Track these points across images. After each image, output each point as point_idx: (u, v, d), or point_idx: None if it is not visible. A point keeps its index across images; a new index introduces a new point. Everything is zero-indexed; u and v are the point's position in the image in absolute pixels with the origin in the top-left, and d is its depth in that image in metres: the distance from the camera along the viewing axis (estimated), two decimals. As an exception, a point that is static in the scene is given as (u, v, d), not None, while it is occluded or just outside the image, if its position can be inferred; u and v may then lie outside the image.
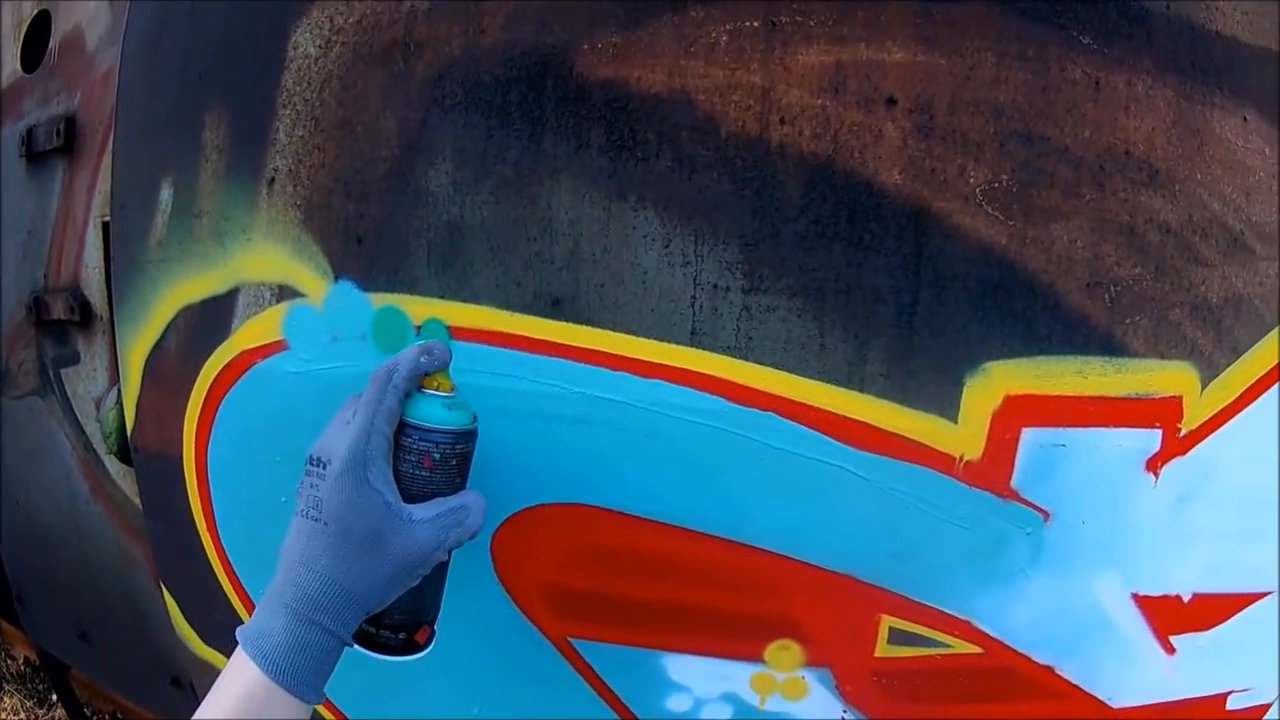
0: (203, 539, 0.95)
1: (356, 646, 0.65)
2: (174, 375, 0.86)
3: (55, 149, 1.14)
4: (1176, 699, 1.20)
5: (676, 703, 0.84)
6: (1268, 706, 1.36)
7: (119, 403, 0.98)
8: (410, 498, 0.64)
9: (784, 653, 0.83)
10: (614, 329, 0.79)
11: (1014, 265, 0.79)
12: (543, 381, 0.74)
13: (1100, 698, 0.99)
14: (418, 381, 0.65)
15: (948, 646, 0.86)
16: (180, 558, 0.94)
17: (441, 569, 0.69)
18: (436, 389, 0.67)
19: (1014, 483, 0.82)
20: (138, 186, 1.03)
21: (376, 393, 0.63)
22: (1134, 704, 1.08)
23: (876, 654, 0.84)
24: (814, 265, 0.78)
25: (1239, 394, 0.93)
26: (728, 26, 0.74)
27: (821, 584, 0.82)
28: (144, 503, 0.98)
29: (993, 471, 0.82)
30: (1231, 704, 1.30)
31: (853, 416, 0.77)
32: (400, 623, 0.65)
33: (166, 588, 0.99)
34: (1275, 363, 0.96)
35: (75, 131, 1.13)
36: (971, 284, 0.79)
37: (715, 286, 0.78)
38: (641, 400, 0.75)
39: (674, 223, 0.73)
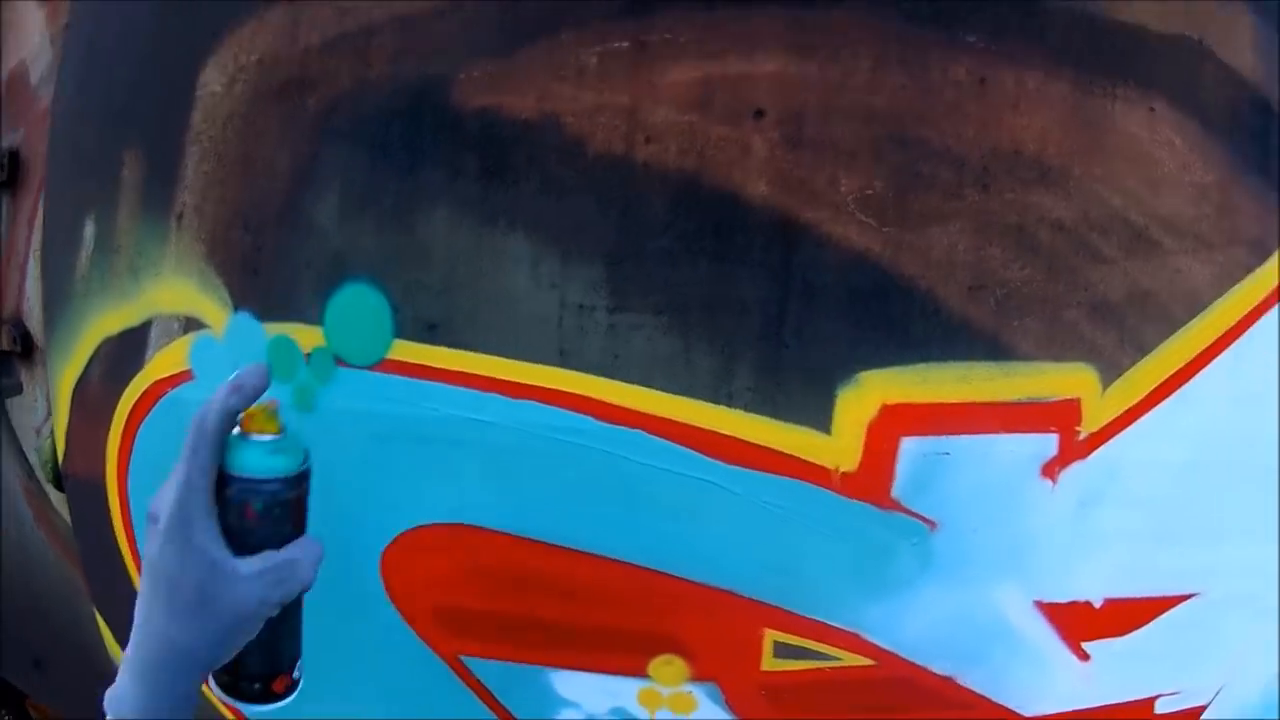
0: (127, 564, 0.89)
1: (223, 695, 0.61)
2: (97, 405, 0.84)
3: (1, 182, 1.10)
4: (1095, 706, 1.10)
5: (569, 715, 0.78)
6: (1203, 708, 1.26)
7: (52, 432, 0.99)
8: (242, 549, 0.58)
9: (667, 668, 0.75)
10: (486, 351, 0.71)
11: (889, 272, 0.69)
12: (420, 405, 0.71)
13: (1010, 707, 0.85)
14: (233, 422, 0.59)
15: (837, 659, 0.76)
16: (109, 582, 0.90)
17: (294, 617, 0.63)
18: (260, 431, 0.59)
19: (895, 493, 0.72)
20: (65, 222, 0.98)
21: (192, 443, 0.58)
22: (1047, 712, 0.89)
23: (763, 668, 0.76)
24: (679, 281, 0.69)
25: (1146, 393, 0.79)
26: (597, 49, 0.69)
27: (701, 599, 0.73)
28: (75, 529, 0.94)
29: (871, 482, 0.71)
30: (1160, 707, 1.19)
31: (721, 431, 0.69)
32: (257, 673, 0.61)
33: (99, 612, 0.95)
34: (1189, 359, 0.81)
35: (19, 165, 1.08)
36: (843, 293, 0.69)
37: (581, 306, 0.69)
38: (512, 421, 0.70)
39: (541, 245, 0.69)
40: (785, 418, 0.72)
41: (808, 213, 0.72)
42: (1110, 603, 0.89)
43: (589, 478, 0.74)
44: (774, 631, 0.76)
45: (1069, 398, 0.78)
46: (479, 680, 0.78)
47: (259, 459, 0.58)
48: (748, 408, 0.72)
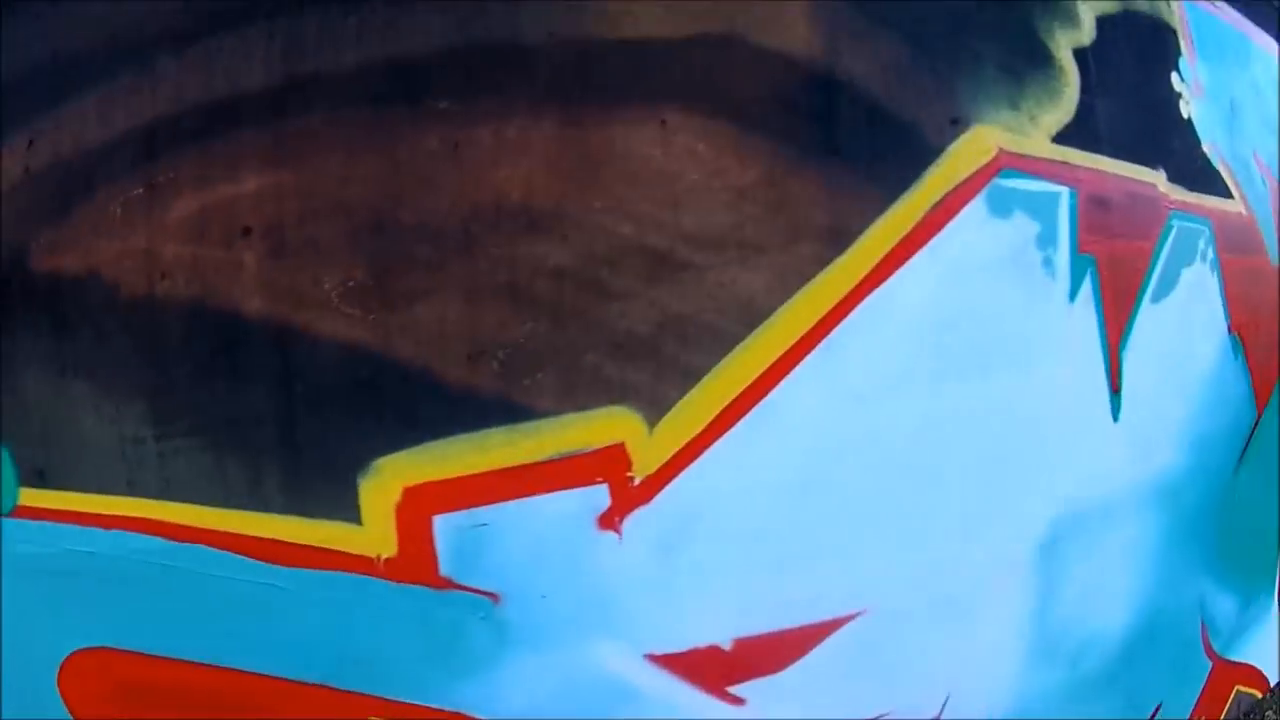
0: None
1: None
2: None
3: None
4: None
5: None
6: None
7: None
8: None
9: None
10: (81, 489, 0.77)
11: (382, 358, 0.69)
12: (46, 544, 0.76)
13: None
14: None
15: None
16: None
17: None
18: None
19: (444, 572, 0.70)
20: None
21: None
22: None
23: None
24: (204, 403, 0.72)
25: (709, 421, 0.73)
26: (121, 199, 0.73)
27: (303, 695, 0.72)
28: None
29: (416, 565, 0.69)
30: None
31: (262, 535, 0.70)
32: None
33: None
34: (760, 373, 0.74)
35: None
36: (343, 388, 0.69)
37: (136, 438, 0.73)
38: (109, 549, 0.74)
39: (99, 388, 0.74)
40: (315, 515, 0.71)
41: (297, 316, 0.74)
42: (744, 641, 0.79)
43: (174, 594, 0.76)
44: (377, 718, 0.76)
45: (609, 444, 0.73)
46: None
47: None
48: (282, 510, 0.73)
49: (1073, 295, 1.02)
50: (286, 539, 0.73)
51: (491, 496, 0.72)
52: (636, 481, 0.73)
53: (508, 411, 0.72)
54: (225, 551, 0.74)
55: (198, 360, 0.75)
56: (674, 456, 0.74)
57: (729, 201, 0.74)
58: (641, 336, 0.74)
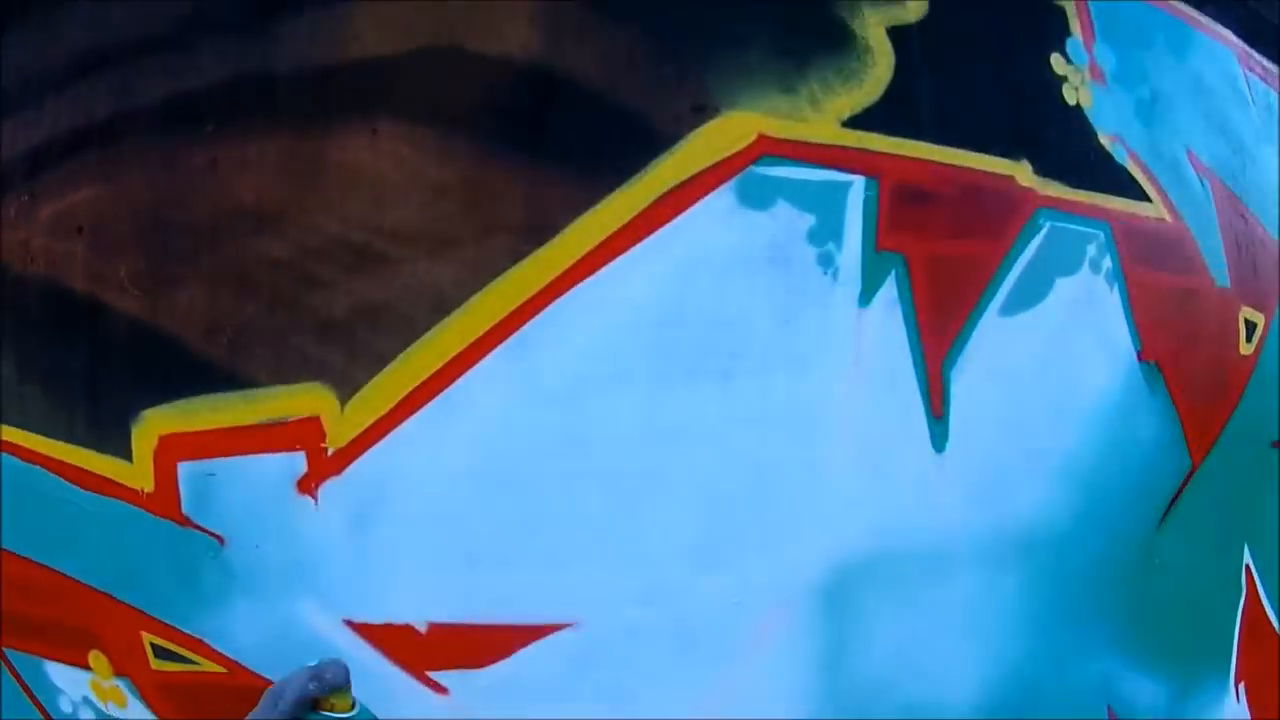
0: None
1: None
2: None
3: None
4: None
5: (63, 702, 0.96)
6: None
7: None
8: None
9: (98, 662, 0.90)
10: None
11: (153, 329, 0.82)
12: None
13: None
14: (308, 706, 0.63)
15: (197, 664, 0.85)
16: None
17: None
18: (331, 709, 0.63)
19: (185, 510, 0.81)
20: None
21: (263, 715, 0.62)
22: None
23: (152, 667, 0.87)
24: (47, 357, 0.89)
25: (393, 405, 0.78)
26: (15, 203, 0.88)
27: (99, 602, 0.87)
28: None
29: (166, 501, 0.82)
30: None
31: (74, 463, 0.85)
32: None
33: None
34: (445, 362, 0.77)
35: None
36: (127, 352, 0.83)
37: (9, 380, 0.91)
38: None
39: None
40: (105, 451, 0.87)
41: (104, 295, 0.88)
42: (439, 627, 0.82)
43: (23, 503, 0.92)
44: (149, 634, 0.88)
45: (309, 416, 0.80)
46: (14, 666, 1.03)
47: None
48: (85, 444, 0.88)
49: (866, 299, 0.89)
50: (87, 468, 0.90)
51: (218, 451, 0.84)
52: (330, 453, 0.81)
53: (233, 380, 0.83)
54: (52, 474, 0.93)
55: (46, 324, 0.95)
56: (362, 433, 0.80)
57: (426, 199, 0.80)
58: (339, 321, 0.81)
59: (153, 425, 0.88)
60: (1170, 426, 1.11)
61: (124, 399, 0.90)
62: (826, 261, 0.85)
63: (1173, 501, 1.13)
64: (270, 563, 0.84)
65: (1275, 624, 1.25)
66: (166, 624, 0.90)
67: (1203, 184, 1.16)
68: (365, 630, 0.82)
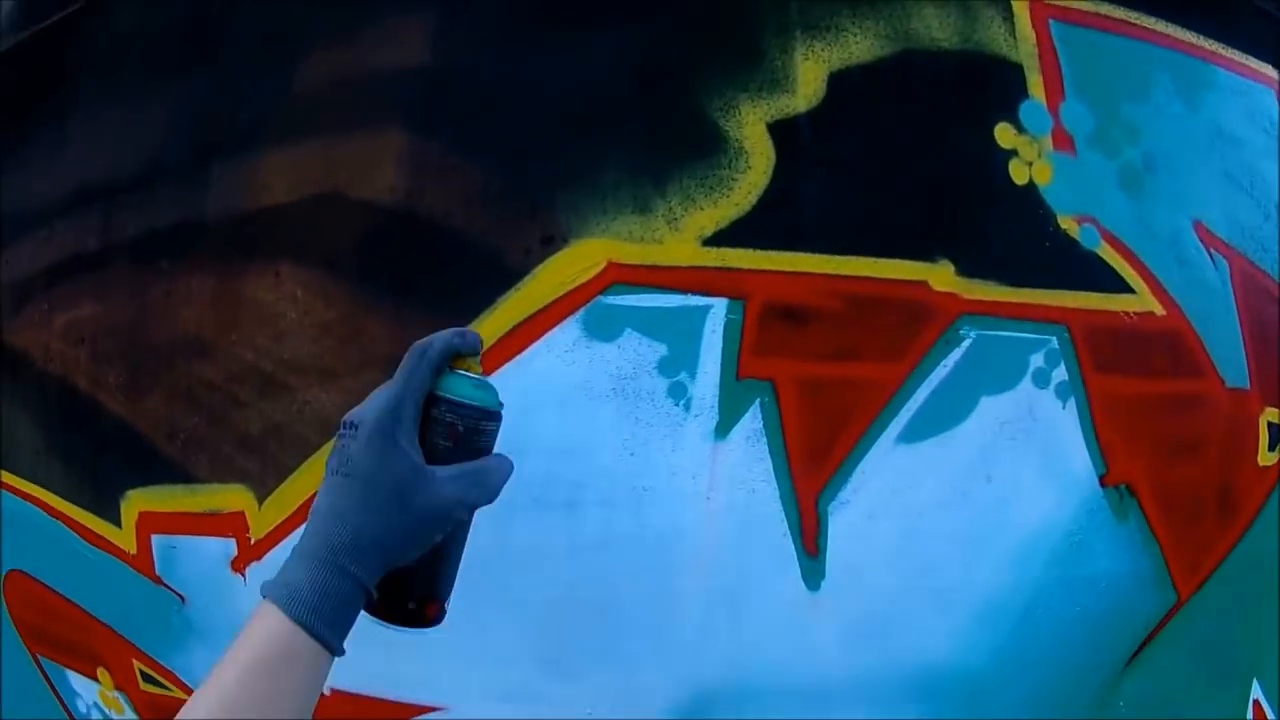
0: None
1: (374, 618, 0.67)
2: None
3: None
4: None
5: (80, 704, 1.31)
6: None
7: None
8: (435, 462, 0.66)
9: (103, 676, 1.23)
10: (15, 474, 1.30)
11: (133, 428, 1.09)
12: None
13: None
14: (449, 359, 0.68)
15: (167, 689, 1.14)
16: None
17: (459, 546, 0.70)
18: (467, 369, 0.69)
19: (157, 571, 1.09)
20: None
21: (411, 364, 0.66)
22: None
23: (141, 688, 1.17)
24: (61, 440, 1.19)
25: (298, 507, 0.98)
26: (38, 310, 1.19)
27: (102, 632, 1.19)
28: None
29: (144, 563, 1.10)
30: None
31: (85, 524, 1.16)
32: (417, 593, 0.68)
33: None
34: None
35: None
36: (117, 444, 1.11)
37: (36, 449, 1.24)
38: (27, 511, 1.20)
39: (28, 418, 1.20)
40: (104, 517, 1.15)
41: (100, 396, 1.15)
42: (341, 696, 0.98)
43: (51, 548, 1.25)
44: (136, 662, 1.16)
45: (237, 510, 0.99)
46: (47, 674, 1.39)
47: (470, 389, 0.68)
48: (92, 510, 1.17)
49: (723, 431, 0.89)
50: (92, 528, 1.20)
51: (176, 529, 1.09)
52: (252, 541, 1.01)
53: (186, 476, 1.07)
54: (69, 529, 1.26)
55: (61, 413, 1.26)
56: (274, 529, 1.01)
57: (315, 335, 0.96)
58: (254, 437, 1.00)
59: (134, 502, 1.16)
60: (1143, 557, 1.00)
61: (116, 479, 1.19)
62: (678, 392, 0.90)
63: (1148, 639, 1.03)
64: (216, 622, 1.10)
65: None
66: (149, 656, 1.21)
67: (1215, 263, 1.01)
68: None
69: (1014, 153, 0.95)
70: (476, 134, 0.93)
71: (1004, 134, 0.94)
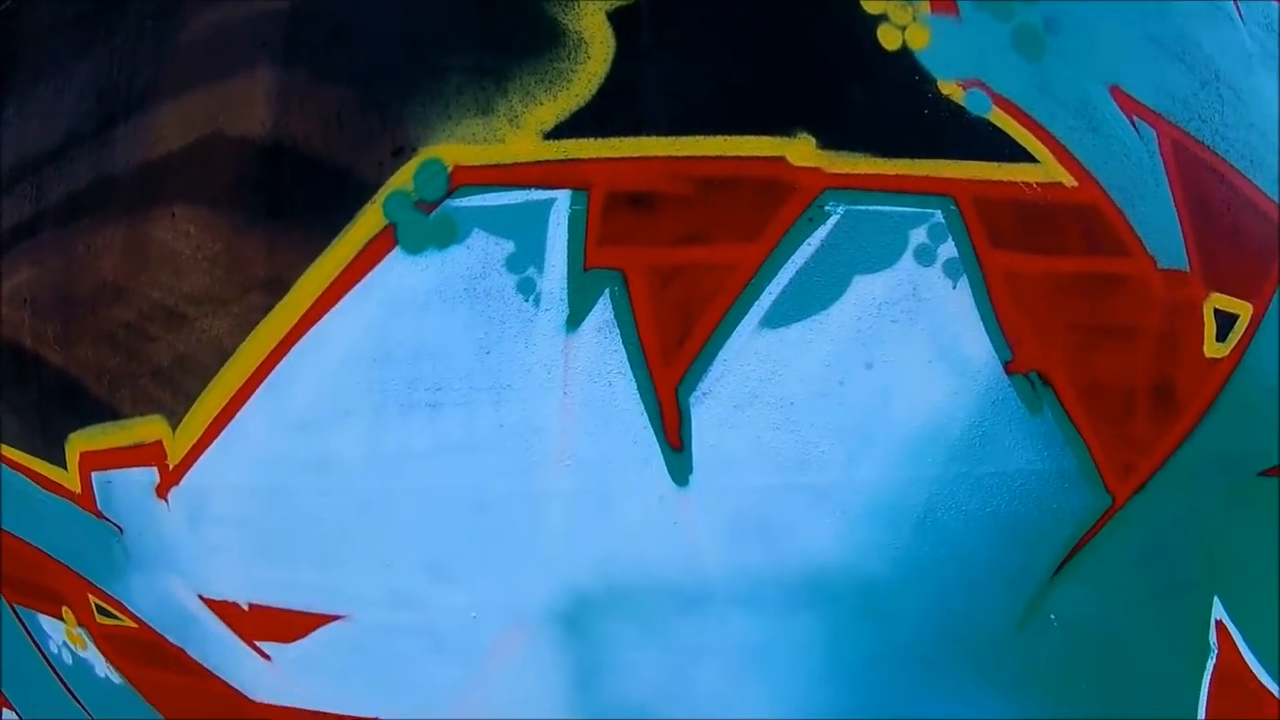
0: None
1: None
2: None
3: None
4: (309, 708, 1.33)
5: (51, 645, 1.84)
6: None
7: None
8: None
9: (67, 614, 1.75)
10: None
11: (70, 375, 1.58)
12: None
13: (238, 688, 1.50)
14: None
15: (118, 619, 1.62)
16: None
17: None
18: None
19: (99, 506, 1.57)
20: None
21: None
22: (268, 701, 1.43)
23: (97, 621, 1.66)
24: (15, 395, 1.72)
25: (201, 433, 1.41)
26: None
27: (62, 572, 1.70)
28: None
29: (87, 500, 1.59)
30: None
31: (37, 470, 1.68)
32: None
33: None
34: (227, 400, 1.37)
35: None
36: (58, 390, 1.60)
37: None
38: None
39: None
40: (53, 461, 1.62)
41: (42, 350, 1.62)
42: (257, 609, 1.35)
43: (10, 497, 1.78)
44: (93, 596, 1.62)
45: (155, 440, 1.38)
46: (20, 617, 1.90)
47: None
48: (43, 457, 1.65)
49: (574, 323, 1.17)
50: (44, 474, 1.70)
51: (110, 464, 1.54)
52: (170, 467, 1.42)
53: (113, 413, 1.51)
54: (24, 477, 1.76)
55: (11, 370, 1.77)
56: (186, 453, 1.43)
57: (206, 268, 1.37)
58: (165, 369, 1.41)
59: (75, 444, 1.66)
60: (1068, 455, 1.19)
61: (59, 425, 1.69)
62: (527, 288, 1.22)
63: (1077, 547, 1.18)
64: (148, 548, 1.56)
65: (1268, 683, 1.18)
66: (100, 589, 1.71)
67: (1139, 130, 1.15)
68: (210, 604, 1.49)
69: (883, 17, 1.18)
70: (331, 62, 1.30)
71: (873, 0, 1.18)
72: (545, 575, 1.24)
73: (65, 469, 1.68)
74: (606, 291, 1.21)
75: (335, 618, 1.38)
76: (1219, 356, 1.20)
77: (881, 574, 1.23)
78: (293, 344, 1.32)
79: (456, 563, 1.28)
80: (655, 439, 1.21)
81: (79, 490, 1.67)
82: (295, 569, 1.38)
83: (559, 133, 1.21)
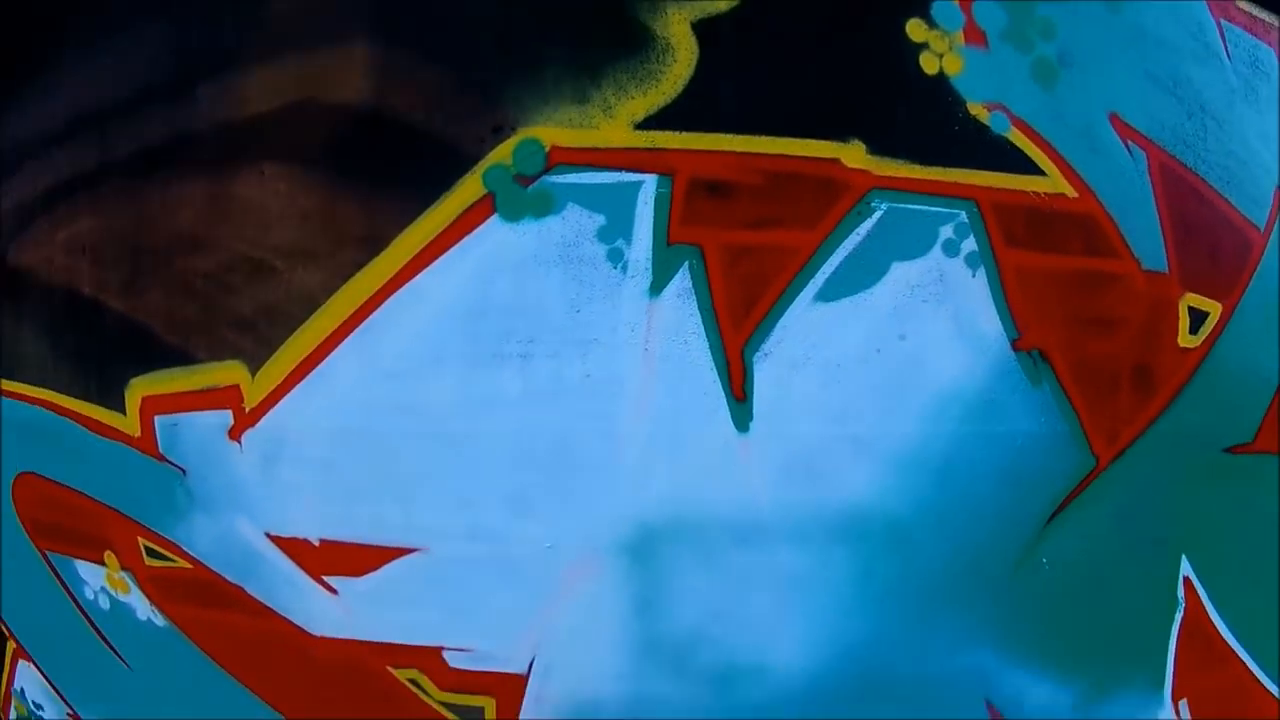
0: None
1: None
2: None
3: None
4: (372, 639, 1.54)
5: (87, 591, 1.94)
6: (519, 678, 1.42)
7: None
8: None
9: (110, 558, 1.86)
10: (22, 381, 2.05)
11: (135, 322, 1.70)
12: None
13: (298, 623, 1.66)
14: None
15: (170, 560, 1.76)
16: None
17: None
18: None
19: (161, 449, 1.70)
20: None
21: None
22: (331, 635, 1.60)
23: (145, 563, 1.79)
24: (68, 341, 1.85)
25: (283, 378, 1.58)
26: (42, 230, 1.87)
27: (110, 515, 1.81)
28: None
29: (148, 443, 1.72)
30: (455, 662, 1.49)
31: (92, 416, 1.79)
32: None
33: None
34: (313, 347, 1.55)
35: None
36: (120, 338, 1.73)
37: (43, 356, 1.94)
38: (33, 417, 1.86)
39: (34, 327, 1.85)
40: (110, 406, 1.74)
41: (103, 298, 1.73)
42: (328, 544, 1.52)
43: (60, 446, 1.88)
44: (142, 539, 1.74)
45: (231, 384, 1.55)
46: (53, 564, 2.00)
47: None
48: (96, 402, 1.75)
49: (656, 289, 1.40)
50: (99, 419, 1.80)
51: (177, 408, 1.67)
52: (247, 410, 1.57)
53: (185, 359, 1.64)
54: (76, 424, 1.86)
55: (66, 318, 1.86)
56: (266, 397, 1.58)
57: (297, 223, 1.52)
58: (247, 317, 1.56)
59: (137, 389, 1.77)
60: (1058, 420, 1.50)
61: (120, 371, 1.80)
62: (616, 257, 1.44)
63: (1066, 500, 1.49)
64: (215, 489, 1.69)
65: (1233, 643, 1.54)
66: (153, 531, 1.82)
67: (1132, 153, 1.47)
68: (278, 541, 1.64)
69: (925, 45, 1.44)
70: (429, 43, 1.47)
71: (915, 29, 1.45)
72: (618, 510, 1.46)
73: (123, 414, 1.79)
74: (686, 264, 1.43)
75: (410, 551, 1.56)
76: (1191, 347, 1.53)
77: (905, 514, 1.49)
78: (387, 296, 1.50)
79: (537, 498, 1.48)
80: (722, 392, 1.44)
81: (138, 434, 1.77)
82: (374, 505, 1.55)
83: (648, 124, 1.42)
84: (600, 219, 1.44)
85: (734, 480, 1.46)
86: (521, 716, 1.60)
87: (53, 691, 2.17)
